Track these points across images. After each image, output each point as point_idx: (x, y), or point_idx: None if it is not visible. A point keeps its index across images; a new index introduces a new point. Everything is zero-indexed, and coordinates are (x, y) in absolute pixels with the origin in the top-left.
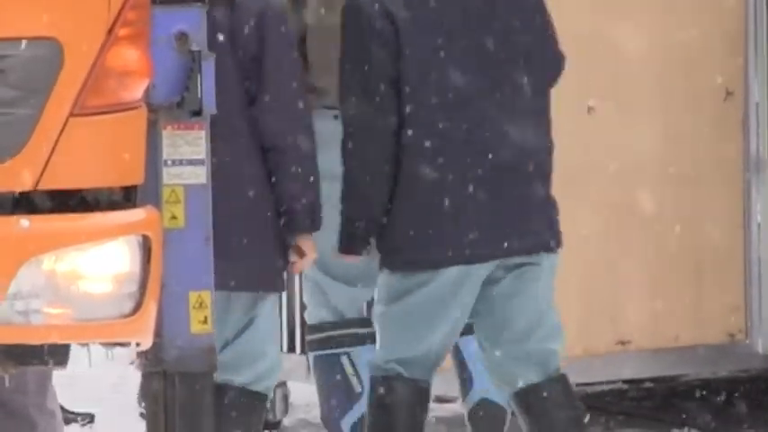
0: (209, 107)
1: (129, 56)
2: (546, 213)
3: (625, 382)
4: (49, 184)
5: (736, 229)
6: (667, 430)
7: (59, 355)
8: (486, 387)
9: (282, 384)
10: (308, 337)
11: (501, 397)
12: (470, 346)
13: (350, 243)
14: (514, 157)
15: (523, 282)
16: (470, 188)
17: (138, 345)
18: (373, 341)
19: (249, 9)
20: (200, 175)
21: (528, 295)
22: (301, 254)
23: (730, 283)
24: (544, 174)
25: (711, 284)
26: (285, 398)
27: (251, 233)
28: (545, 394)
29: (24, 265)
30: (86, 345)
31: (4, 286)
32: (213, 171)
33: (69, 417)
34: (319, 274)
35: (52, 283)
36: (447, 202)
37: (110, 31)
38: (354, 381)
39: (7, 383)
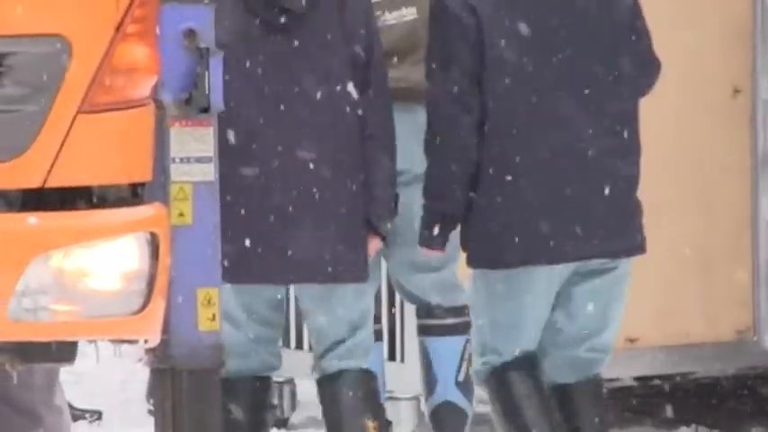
0: (217, 104)
1: (137, 53)
2: (632, 217)
3: (633, 379)
4: (57, 181)
5: (744, 226)
6: (676, 428)
7: (67, 352)
8: (450, 389)
9: (290, 381)
10: None
11: (463, 400)
12: (438, 347)
13: (431, 238)
14: (601, 157)
15: (599, 286)
16: (556, 188)
17: (145, 342)
18: (379, 338)
19: (359, 10)
20: (207, 173)
21: (599, 301)
22: (375, 241)
23: (738, 281)
24: (631, 176)
25: (720, 281)
26: (293, 395)
27: (347, 222)
28: (577, 396)
29: (32, 262)
30: (94, 342)
31: (12, 283)
32: (319, 162)
33: (77, 414)
34: None
35: (60, 280)
36: (531, 200)
37: (118, 28)
38: None
39: (14, 380)
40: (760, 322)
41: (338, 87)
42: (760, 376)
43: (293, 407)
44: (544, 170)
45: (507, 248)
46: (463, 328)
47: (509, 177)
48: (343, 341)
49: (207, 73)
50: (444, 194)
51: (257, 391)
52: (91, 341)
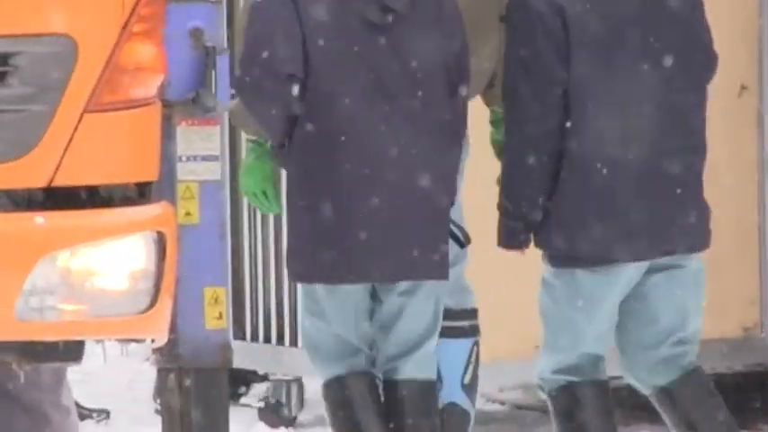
0: (224, 103)
1: (143, 52)
2: (699, 214)
3: None
4: (63, 180)
5: (752, 224)
6: None
7: (74, 351)
8: (456, 391)
9: (298, 380)
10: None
11: (467, 402)
12: (446, 349)
13: (511, 239)
14: (674, 156)
15: (672, 283)
16: (631, 186)
17: (153, 341)
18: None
19: (454, 12)
20: (214, 171)
21: (674, 297)
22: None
23: (745, 277)
24: (698, 173)
25: (727, 278)
26: (301, 393)
27: (438, 220)
28: (679, 395)
29: (39, 261)
30: (101, 341)
31: (19, 283)
32: (413, 161)
33: (84, 413)
34: None
35: (67, 279)
36: (608, 199)
37: (124, 28)
38: None
39: (22, 379)
40: (767, 319)
41: (434, 88)
42: (767, 373)
43: (301, 406)
44: (620, 170)
45: (593, 245)
46: (472, 331)
47: (592, 175)
48: (420, 345)
49: (214, 72)
50: (524, 195)
51: (373, 389)
52: (98, 341)
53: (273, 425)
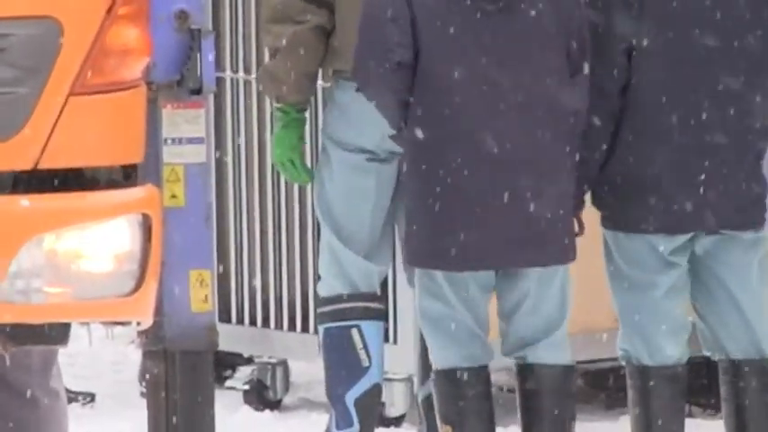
0: (209, 85)
1: (128, 34)
2: (754, 191)
3: None
4: (49, 163)
5: None
6: None
7: (60, 334)
8: None
9: (283, 363)
10: (320, 310)
11: None
12: None
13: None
14: (733, 131)
15: (728, 256)
16: (685, 158)
17: (138, 324)
18: (380, 318)
19: None
20: (199, 154)
21: (732, 270)
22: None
23: None
24: (759, 152)
25: None
26: (286, 376)
27: (561, 203)
28: (742, 378)
29: (25, 244)
30: (87, 324)
31: (4, 265)
32: (535, 146)
33: (70, 396)
34: (341, 246)
35: (53, 262)
36: (662, 168)
37: (109, 10)
38: (363, 355)
39: (8, 362)
40: None
41: (553, 73)
42: None
43: (286, 389)
44: (676, 141)
45: (635, 214)
46: None
47: (642, 148)
48: (552, 329)
49: (199, 54)
50: (582, 161)
51: (487, 386)
52: (83, 323)
53: (258, 408)
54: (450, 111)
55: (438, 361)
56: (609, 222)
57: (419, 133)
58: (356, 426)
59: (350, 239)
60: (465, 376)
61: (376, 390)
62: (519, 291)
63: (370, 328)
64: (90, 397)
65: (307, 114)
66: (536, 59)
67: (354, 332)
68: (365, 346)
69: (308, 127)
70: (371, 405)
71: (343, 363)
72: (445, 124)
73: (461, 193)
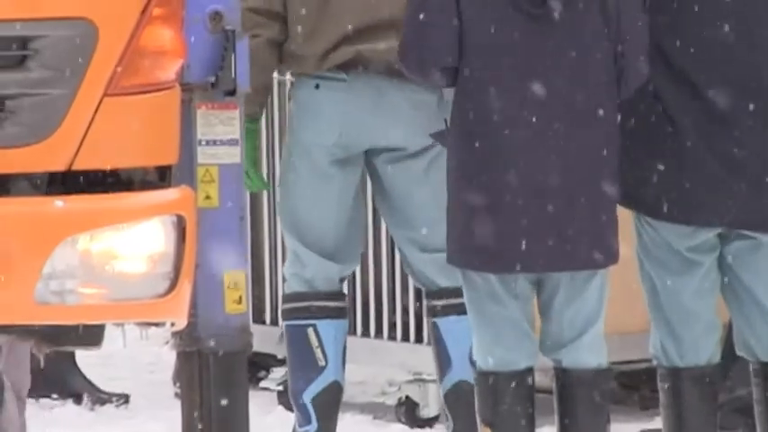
0: (243, 86)
1: (163, 35)
2: None
3: None
4: (83, 164)
5: None
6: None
7: (94, 335)
8: (465, 368)
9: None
10: (282, 306)
11: None
12: (451, 327)
13: None
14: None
15: (755, 262)
16: (734, 152)
17: (172, 325)
18: (340, 316)
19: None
20: (234, 155)
21: (758, 275)
22: None
23: None
24: None
25: None
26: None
27: (603, 207)
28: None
29: (59, 245)
30: (121, 325)
31: (39, 266)
32: (582, 150)
33: (104, 397)
34: (298, 245)
35: (87, 262)
36: (694, 160)
37: (144, 11)
38: (319, 354)
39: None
40: None
41: (600, 77)
42: None
43: None
44: (705, 136)
45: (677, 206)
46: None
47: (676, 142)
48: (590, 327)
49: (233, 55)
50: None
51: (529, 390)
52: (118, 324)
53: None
54: (490, 116)
55: (482, 361)
56: (632, 204)
57: (463, 133)
58: (314, 423)
59: (311, 240)
60: (508, 379)
61: (333, 388)
62: (560, 289)
63: (328, 327)
64: (124, 398)
65: (260, 123)
66: (579, 64)
67: (310, 331)
68: (321, 345)
69: (264, 134)
70: (329, 403)
71: (300, 361)
72: (490, 131)
73: (507, 196)
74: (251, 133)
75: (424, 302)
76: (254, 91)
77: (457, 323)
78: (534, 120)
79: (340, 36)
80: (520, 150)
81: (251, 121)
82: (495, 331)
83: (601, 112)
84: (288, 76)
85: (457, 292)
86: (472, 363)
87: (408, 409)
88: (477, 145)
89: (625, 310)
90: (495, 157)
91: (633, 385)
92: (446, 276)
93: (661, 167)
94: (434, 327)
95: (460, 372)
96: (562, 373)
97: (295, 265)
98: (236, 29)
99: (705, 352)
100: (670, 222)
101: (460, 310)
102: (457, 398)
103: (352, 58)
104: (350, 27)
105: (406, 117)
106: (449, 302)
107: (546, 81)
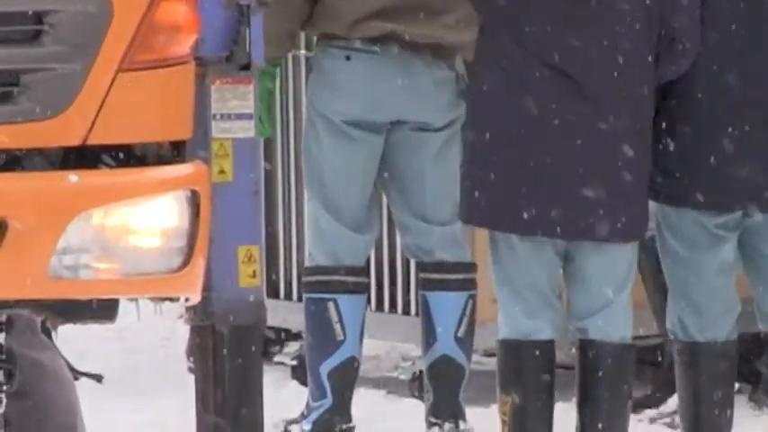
0: (258, 61)
1: (177, 10)
2: None
3: None
4: (97, 139)
5: None
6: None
7: (108, 310)
8: (449, 343)
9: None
10: (303, 279)
11: (461, 356)
12: (440, 301)
13: None
14: None
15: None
16: (740, 134)
17: (186, 299)
18: (361, 291)
19: None
20: (248, 129)
21: None
22: None
23: None
24: None
25: None
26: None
27: (634, 180)
28: None
29: (73, 220)
30: (135, 299)
31: (53, 241)
32: (620, 121)
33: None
34: (328, 218)
35: (101, 237)
36: (712, 143)
37: None
38: (338, 328)
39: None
40: None
41: (641, 55)
42: None
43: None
44: (732, 118)
45: (700, 190)
46: (467, 285)
47: (705, 127)
48: (617, 296)
49: (248, 30)
50: None
51: (550, 362)
52: (132, 299)
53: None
54: (537, 92)
55: (507, 330)
56: (658, 196)
57: (493, 93)
58: (329, 398)
59: (338, 211)
60: (532, 348)
61: (350, 363)
62: (588, 258)
63: (348, 302)
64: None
65: (277, 71)
66: (623, 44)
67: (330, 305)
68: (340, 320)
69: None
70: (345, 378)
71: (319, 335)
72: (526, 103)
73: (534, 162)
74: (265, 75)
75: (418, 275)
76: (278, 37)
77: (446, 298)
78: (574, 95)
79: (376, 8)
80: (561, 120)
81: (270, 65)
82: (521, 300)
83: (642, 90)
84: (303, 52)
85: (455, 269)
86: (457, 338)
87: (422, 383)
88: (508, 110)
89: (640, 284)
90: (528, 120)
91: (648, 360)
92: (446, 250)
93: (693, 157)
94: (424, 300)
95: (444, 346)
96: (588, 344)
97: (318, 237)
98: (250, 3)
99: (724, 328)
100: (702, 211)
101: (454, 286)
102: (438, 371)
103: (385, 34)
104: (389, 2)
105: (433, 93)
106: (444, 277)
107: (583, 50)
